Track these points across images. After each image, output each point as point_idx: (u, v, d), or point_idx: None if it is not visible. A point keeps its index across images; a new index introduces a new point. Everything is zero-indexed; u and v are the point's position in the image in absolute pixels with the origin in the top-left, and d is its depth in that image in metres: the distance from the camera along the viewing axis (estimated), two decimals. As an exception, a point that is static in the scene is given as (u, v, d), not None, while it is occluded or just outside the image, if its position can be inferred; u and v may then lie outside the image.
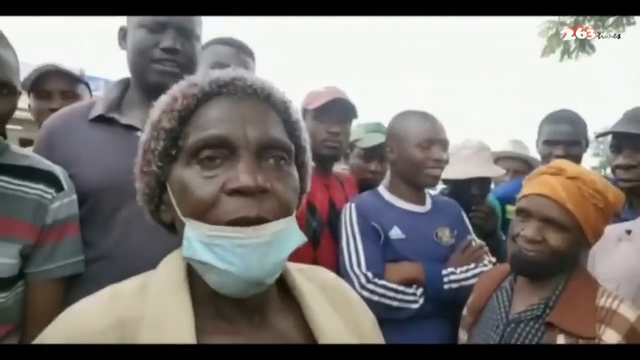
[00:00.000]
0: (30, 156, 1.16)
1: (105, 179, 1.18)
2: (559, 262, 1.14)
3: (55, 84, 1.81)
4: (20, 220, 1.08)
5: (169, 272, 0.63)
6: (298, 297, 0.67)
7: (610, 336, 1.03)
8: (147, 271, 0.66)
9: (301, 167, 0.69)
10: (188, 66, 1.30)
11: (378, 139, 2.04)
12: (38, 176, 1.12)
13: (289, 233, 0.59)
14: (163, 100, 0.65)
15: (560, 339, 1.07)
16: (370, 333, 0.73)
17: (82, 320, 0.58)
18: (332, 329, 0.64)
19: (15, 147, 1.16)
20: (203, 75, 0.64)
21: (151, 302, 0.60)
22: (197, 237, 0.57)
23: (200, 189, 0.57)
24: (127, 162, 1.19)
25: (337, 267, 1.55)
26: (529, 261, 1.14)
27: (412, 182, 1.64)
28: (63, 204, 1.15)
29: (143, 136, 0.65)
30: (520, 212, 1.20)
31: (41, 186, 1.11)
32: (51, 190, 1.13)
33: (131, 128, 1.26)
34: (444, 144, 1.62)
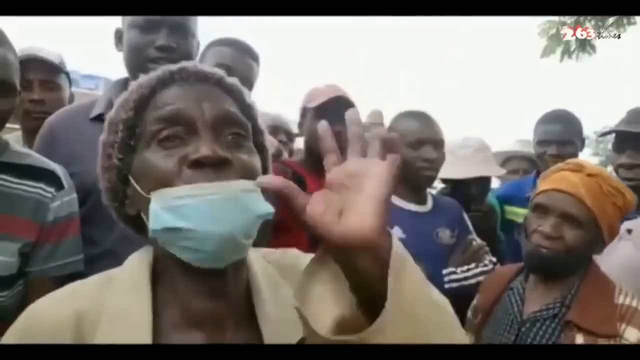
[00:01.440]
0: (31, 155, 1.16)
1: None
2: (574, 261, 1.14)
3: (35, 74, 1.67)
4: (21, 218, 1.07)
5: (132, 268, 0.63)
6: (257, 304, 0.64)
7: (633, 334, 1.02)
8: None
9: (261, 149, 0.69)
10: None
11: None
12: (38, 175, 1.12)
13: (255, 197, 0.58)
14: (120, 96, 0.66)
15: (579, 338, 1.06)
16: None
17: (38, 314, 0.59)
18: (281, 340, 0.61)
19: (15, 145, 1.16)
20: (156, 70, 0.65)
21: (112, 297, 0.60)
22: (162, 205, 0.56)
23: (161, 164, 0.58)
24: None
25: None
26: (545, 258, 1.14)
27: (407, 181, 1.64)
28: (63, 202, 1.15)
29: (101, 137, 0.66)
30: (537, 208, 1.19)
31: (42, 185, 1.11)
32: (51, 189, 1.13)
33: None
34: (435, 143, 1.61)
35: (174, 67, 0.65)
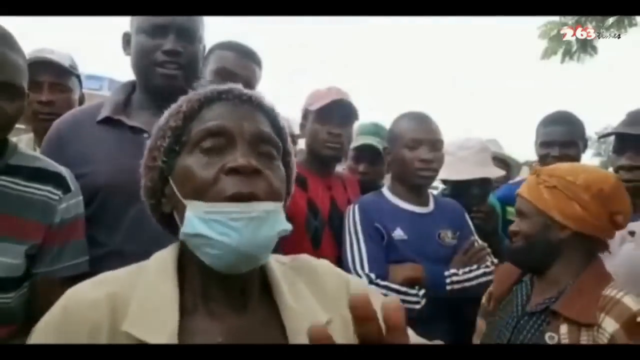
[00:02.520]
0: (39, 158, 1.17)
1: (113, 178, 1.21)
2: (535, 247, 1.24)
3: (45, 76, 1.70)
4: (28, 220, 1.09)
5: (161, 258, 0.71)
6: (276, 294, 0.72)
7: (609, 324, 1.05)
8: None
9: (287, 167, 0.76)
10: (191, 67, 1.31)
11: (364, 139, 2.04)
12: (46, 177, 1.13)
13: (278, 216, 0.67)
14: (171, 107, 0.75)
15: (563, 328, 1.11)
16: (335, 295, 0.76)
17: (77, 294, 0.66)
18: (303, 327, 0.66)
19: (23, 148, 1.17)
20: (205, 87, 0.74)
21: (142, 281, 0.67)
22: (195, 215, 0.64)
23: (201, 171, 0.66)
24: (133, 163, 1.22)
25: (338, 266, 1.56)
26: (511, 250, 1.30)
27: (405, 182, 1.66)
28: (70, 204, 1.16)
29: (149, 141, 0.74)
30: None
31: (49, 187, 1.13)
32: (59, 192, 1.14)
33: (137, 130, 1.29)
34: (433, 144, 1.62)
35: (222, 87, 0.73)
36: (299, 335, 0.67)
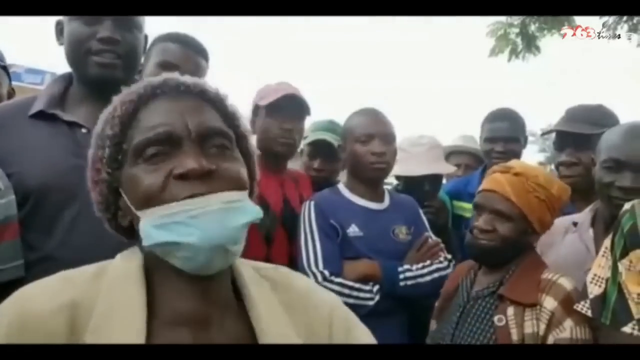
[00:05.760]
0: None
1: (47, 178, 1.13)
2: (509, 249, 1.30)
3: None
4: None
5: (125, 264, 0.66)
6: (246, 298, 0.69)
7: (549, 302, 1.19)
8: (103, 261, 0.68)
9: (245, 154, 0.71)
10: (130, 57, 1.24)
11: (319, 135, 2.03)
12: None
13: (244, 205, 0.63)
14: (105, 111, 0.69)
15: (510, 310, 1.22)
16: (325, 319, 0.72)
17: (32, 301, 0.60)
18: (275, 330, 0.66)
19: None
20: (138, 83, 0.69)
21: (105, 290, 0.63)
22: (152, 223, 0.60)
23: (148, 180, 0.61)
24: (70, 161, 1.15)
25: (290, 265, 1.54)
26: (482, 248, 1.30)
27: (360, 177, 1.67)
28: (0, 205, 1.07)
29: (89, 151, 0.69)
30: (475, 207, 1.37)
31: None
32: None
33: (75, 125, 1.20)
34: (384, 137, 1.64)
35: (155, 81, 0.67)
36: (271, 335, 0.65)
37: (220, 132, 0.66)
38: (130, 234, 0.69)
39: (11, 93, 1.72)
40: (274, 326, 0.67)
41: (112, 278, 0.64)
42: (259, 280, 0.72)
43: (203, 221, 0.59)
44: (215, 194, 0.60)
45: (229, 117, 0.70)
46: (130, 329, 0.59)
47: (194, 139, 0.63)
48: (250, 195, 0.69)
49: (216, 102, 0.69)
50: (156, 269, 0.66)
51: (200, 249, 0.59)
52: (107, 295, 0.62)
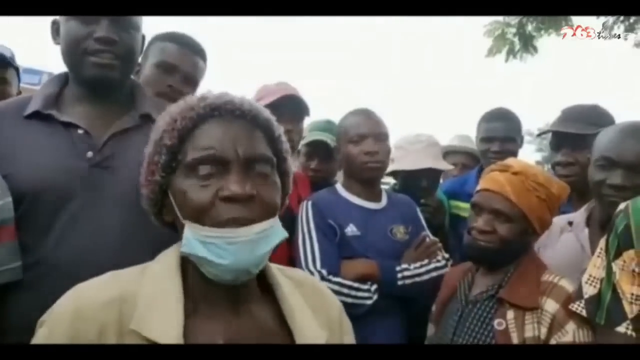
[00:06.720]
0: None
1: (43, 179, 1.11)
2: (509, 250, 1.27)
3: None
4: None
5: (165, 260, 0.77)
6: (277, 292, 0.80)
7: (550, 305, 1.16)
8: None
9: (283, 174, 0.81)
10: (127, 58, 1.23)
11: (316, 135, 2.04)
12: None
13: (273, 231, 0.73)
14: (164, 120, 0.77)
15: (510, 313, 1.20)
16: (337, 319, 0.87)
17: (89, 294, 0.71)
18: (305, 321, 0.77)
19: None
20: (198, 100, 0.76)
21: (148, 282, 0.73)
22: (194, 236, 0.70)
23: (198, 196, 0.70)
24: (66, 162, 1.14)
25: (289, 265, 1.54)
26: (481, 249, 1.27)
27: (355, 177, 1.67)
28: None
29: (146, 150, 0.78)
30: (473, 206, 1.33)
31: None
32: None
33: (71, 125, 1.18)
34: (376, 136, 1.65)
35: (215, 102, 0.75)
36: (301, 327, 0.76)
37: (263, 159, 0.75)
38: (171, 228, 0.79)
39: (19, 94, 1.73)
40: (302, 317, 0.77)
41: (153, 274, 0.74)
42: (284, 279, 0.83)
43: (236, 248, 0.68)
44: (251, 227, 0.69)
45: (274, 141, 0.79)
46: (169, 321, 0.68)
47: (241, 162, 0.71)
48: (281, 207, 0.79)
49: (265, 127, 0.78)
50: (191, 268, 0.75)
51: (229, 270, 0.69)
52: (149, 287, 0.72)
